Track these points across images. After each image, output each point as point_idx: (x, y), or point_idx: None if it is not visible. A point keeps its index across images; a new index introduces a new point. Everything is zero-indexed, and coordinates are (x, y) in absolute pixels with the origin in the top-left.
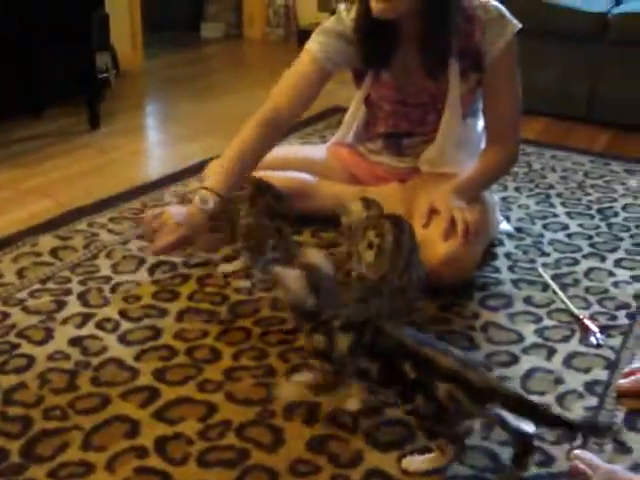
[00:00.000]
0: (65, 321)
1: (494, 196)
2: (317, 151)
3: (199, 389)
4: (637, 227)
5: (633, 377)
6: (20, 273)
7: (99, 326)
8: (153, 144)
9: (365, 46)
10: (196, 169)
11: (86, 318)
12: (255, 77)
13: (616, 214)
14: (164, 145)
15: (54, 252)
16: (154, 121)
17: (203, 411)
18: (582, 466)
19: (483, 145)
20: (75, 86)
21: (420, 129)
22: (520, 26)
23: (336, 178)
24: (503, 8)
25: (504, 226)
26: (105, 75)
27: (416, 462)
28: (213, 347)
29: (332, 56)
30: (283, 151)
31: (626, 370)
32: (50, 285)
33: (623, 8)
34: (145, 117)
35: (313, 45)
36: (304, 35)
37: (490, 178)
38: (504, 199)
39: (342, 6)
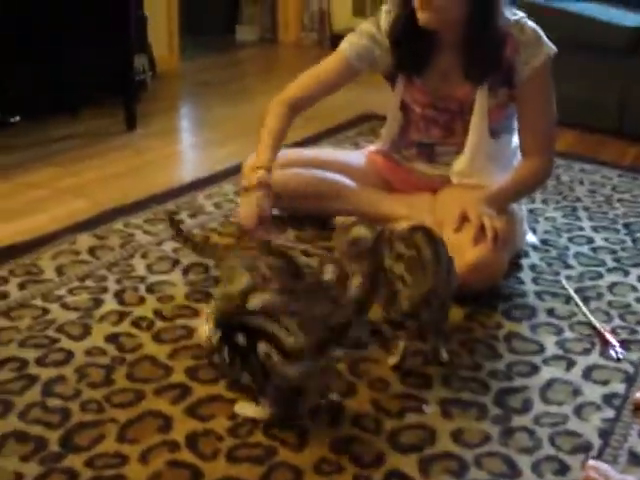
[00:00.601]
0: (102, 318)
1: (523, 208)
2: (353, 156)
3: (229, 388)
4: None
5: None
6: (59, 270)
7: (134, 324)
8: (187, 147)
9: (401, 52)
10: (229, 173)
11: (122, 316)
12: (289, 81)
13: None
14: (198, 148)
15: (92, 251)
16: (189, 124)
17: (233, 409)
18: (596, 476)
19: (516, 161)
20: (113, 87)
21: (450, 139)
22: (555, 50)
23: (370, 184)
24: (540, 30)
25: (530, 238)
26: (142, 77)
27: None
28: None
29: (361, 55)
30: (318, 152)
31: None
32: (88, 283)
33: None
34: (180, 119)
35: (345, 44)
36: (338, 40)
37: (522, 191)
38: (531, 211)
39: (385, 7)
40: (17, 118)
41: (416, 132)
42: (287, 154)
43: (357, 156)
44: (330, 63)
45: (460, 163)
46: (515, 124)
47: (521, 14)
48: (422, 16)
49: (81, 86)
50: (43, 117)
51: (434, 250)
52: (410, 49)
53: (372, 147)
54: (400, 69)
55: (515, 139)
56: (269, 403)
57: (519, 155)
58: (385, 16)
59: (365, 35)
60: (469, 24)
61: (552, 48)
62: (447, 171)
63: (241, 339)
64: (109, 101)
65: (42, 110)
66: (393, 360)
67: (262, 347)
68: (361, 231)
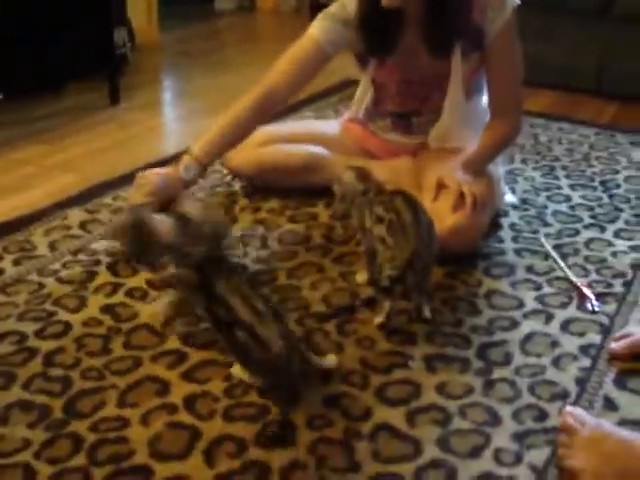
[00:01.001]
0: (96, 290)
1: (499, 169)
2: (329, 126)
3: (223, 352)
4: (637, 198)
5: (624, 340)
6: (52, 245)
7: (128, 294)
8: (170, 119)
9: (370, 36)
10: None
11: (116, 287)
12: (267, 49)
13: (618, 186)
14: (181, 120)
15: (83, 225)
16: (171, 96)
17: (227, 372)
18: (572, 421)
19: (487, 119)
20: (95, 62)
21: (427, 107)
22: (518, 2)
23: (349, 153)
24: None
25: (509, 198)
26: (123, 50)
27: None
28: None
29: (333, 39)
30: (296, 125)
31: (617, 334)
32: (81, 257)
33: None
34: (162, 92)
35: (314, 29)
36: (317, 7)
37: (495, 151)
38: (510, 171)
39: None
40: (0, 96)
41: (391, 104)
42: (266, 131)
43: (334, 126)
44: (304, 49)
45: (438, 129)
46: (484, 82)
47: None
48: None
49: (64, 62)
50: (27, 94)
51: (414, 214)
52: (377, 31)
53: (346, 115)
54: (370, 52)
55: (485, 97)
56: (255, 376)
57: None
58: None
59: (334, 19)
60: None
61: (515, 1)
62: (425, 139)
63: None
64: (91, 76)
65: (25, 87)
66: (379, 319)
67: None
68: (350, 178)
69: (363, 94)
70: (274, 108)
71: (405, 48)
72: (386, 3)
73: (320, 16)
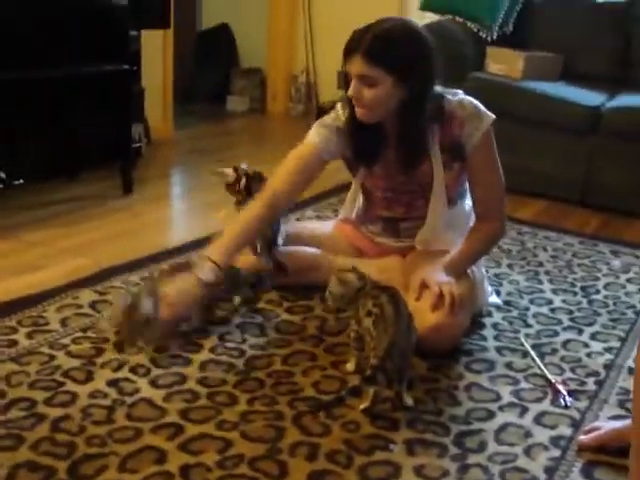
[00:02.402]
0: (103, 365)
1: (482, 270)
2: (325, 227)
3: (218, 427)
4: (615, 304)
5: (593, 433)
6: (63, 322)
7: (133, 371)
8: (179, 211)
9: (355, 145)
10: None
11: (121, 364)
12: (276, 149)
13: (597, 291)
14: (189, 212)
15: (93, 305)
16: (181, 189)
17: (221, 445)
18: None
19: (471, 223)
20: (111, 154)
21: (412, 214)
22: (494, 117)
23: (343, 252)
24: (477, 103)
25: (493, 299)
26: (138, 144)
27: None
28: (231, 393)
29: (329, 148)
30: (295, 228)
31: (586, 427)
32: (90, 334)
33: (615, 102)
34: (173, 185)
35: (312, 137)
36: (324, 111)
37: (477, 254)
38: (497, 275)
39: (339, 104)
40: (21, 181)
41: (380, 209)
42: None
43: (328, 226)
44: (304, 156)
45: (422, 234)
46: (467, 189)
47: (459, 92)
48: (359, 112)
49: (81, 153)
50: (45, 180)
51: (395, 308)
52: (360, 143)
53: (340, 216)
54: (358, 160)
55: (468, 201)
56: None
57: (474, 216)
58: (342, 111)
59: (329, 128)
60: (401, 118)
61: (491, 116)
62: (412, 242)
63: None
64: (106, 167)
65: (44, 174)
66: (363, 404)
67: None
68: (352, 277)
69: (353, 197)
70: (280, 210)
71: (387, 159)
72: (360, 119)
73: (316, 124)
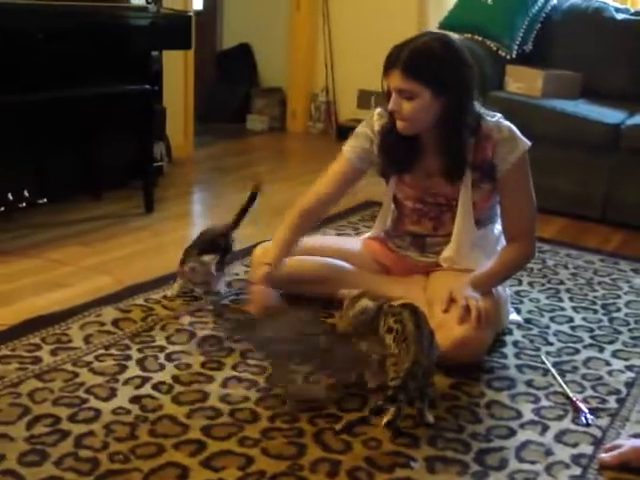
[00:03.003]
0: (126, 382)
1: (507, 290)
2: (352, 243)
3: (239, 444)
4: (636, 322)
5: (614, 452)
6: (86, 339)
7: (155, 388)
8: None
9: (388, 156)
10: (239, 255)
11: (144, 381)
12: (296, 167)
13: (618, 309)
14: None
15: (115, 322)
16: (202, 208)
17: (242, 462)
18: None
19: (500, 247)
20: (133, 173)
21: (440, 230)
22: (529, 144)
23: (367, 267)
24: (514, 128)
25: (514, 317)
26: (160, 163)
27: None
28: (253, 410)
29: (362, 156)
30: (321, 240)
31: (608, 445)
32: (113, 351)
33: (635, 120)
34: (194, 204)
35: (347, 148)
36: (343, 130)
37: (505, 275)
38: (517, 292)
39: (377, 110)
40: (44, 200)
41: (409, 224)
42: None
43: (355, 243)
44: (337, 168)
45: (448, 251)
46: (498, 212)
47: (498, 115)
48: (400, 125)
49: (104, 172)
50: (69, 199)
51: (417, 324)
52: (395, 154)
53: (367, 234)
54: (389, 171)
55: (498, 226)
56: None
57: (503, 241)
58: (377, 118)
59: (362, 137)
60: (441, 130)
61: (527, 143)
62: (437, 259)
63: None
64: (128, 186)
65: (68, 193)
66: (386, 419)
67: None
68: (367, 302)
69: (385, 213)
70: (317, 217)
71: (421, 169)
72: (400, 131)
73: (351, 136)
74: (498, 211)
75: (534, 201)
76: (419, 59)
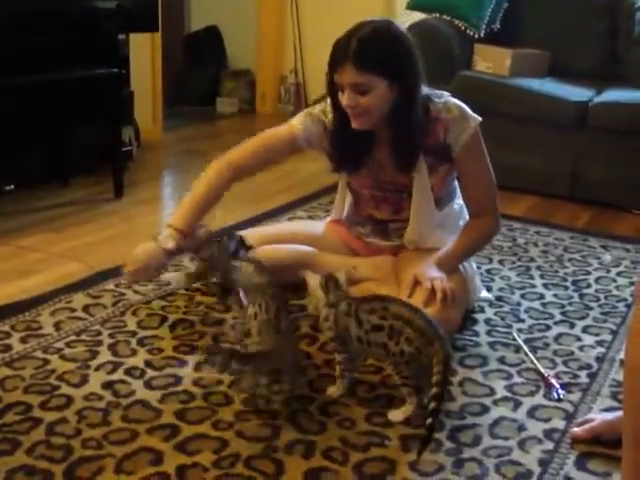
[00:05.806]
0: (98, 368)
1: (473, 265)
2: (318, 227)
3: (214, 427)
4: (606, 297)
5: (585, 426)
6: (57, 326)
7: (127, 373)
8: (170, 214)
9: (342, 154)
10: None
11: (116, 366)
12: None
13: (589, 286)
14: None
15: (86, 308)
16: (171, 192)
17: (217, 445)
18: None
19: (462, 222)
20: (102, 158)
21: (402, 215)
22: (480, 119)
23: (337, 251)
24: (463, 105)
25: (485, 294)
26: (128, 148)
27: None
28: (226, 393)
29: (310, 138)
30: (289, 227)
31: (579, 420)
32: (84, 337)
33: (603, 97)
34: (163, 188)
35: (298, 124)
36: None
37: (471, 250)
38: (488, 270)
39: (330, 101)
40: (12, 187)
41: (368, 208)
42: (258, 232)
43: (320, 226)
44: (279, 135)
45: (409, 234)
46: (457, 188)
47: (445, 94)
48: (354, 121)
49: (72, 157)
50: (36, 185)
51: (420, 315)
52: (348, 152)
53: (331, 217)
54: (340, 168)
55: (459, 201)
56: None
57: (465, 215)
58: (330, 110)
59: (317, 122)
60: (393, 122)
61: (477, 118)
62: (401, 242)
63: None
64: (97, 170)
65: (35, 179)
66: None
67: None
68: (316, 287)
69: (341, 198)
70: (238, 180)
71: (375, 161)
72: (356, 127)
73: (303, 113)
74: (457, 187)
75: (492, 175)
76: (370, 49)
